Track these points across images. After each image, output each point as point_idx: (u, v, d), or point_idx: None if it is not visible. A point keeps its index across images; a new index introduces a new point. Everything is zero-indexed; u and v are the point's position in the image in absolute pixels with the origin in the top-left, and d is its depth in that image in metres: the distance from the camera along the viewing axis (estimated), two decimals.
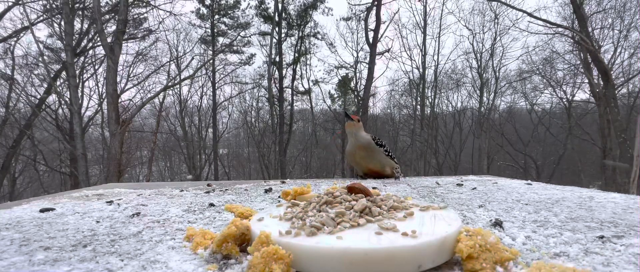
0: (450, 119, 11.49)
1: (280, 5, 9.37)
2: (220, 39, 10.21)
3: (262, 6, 9.47)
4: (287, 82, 9.96)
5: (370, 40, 7.61)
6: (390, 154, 1.25)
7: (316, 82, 10.50)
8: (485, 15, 9.73)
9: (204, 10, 9.83)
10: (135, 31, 7.63)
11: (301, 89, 10.47)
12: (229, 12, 9.94)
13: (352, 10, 9.51)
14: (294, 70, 10.06)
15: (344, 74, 10.53)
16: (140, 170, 10.49)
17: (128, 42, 7.38)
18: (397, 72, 18.09)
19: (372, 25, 7.69)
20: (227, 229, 0.35)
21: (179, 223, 0.52)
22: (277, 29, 9.45)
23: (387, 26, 8.76)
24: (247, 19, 10.10)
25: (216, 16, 9.90)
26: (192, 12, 9.83)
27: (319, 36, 10.06)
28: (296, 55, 9.95)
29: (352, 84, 10.21)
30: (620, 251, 0.36)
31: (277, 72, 9.59)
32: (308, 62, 10.36)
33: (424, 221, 0.36)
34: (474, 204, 0.66)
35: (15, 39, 6.42)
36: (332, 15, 9.95)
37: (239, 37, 10.14)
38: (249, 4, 10.14)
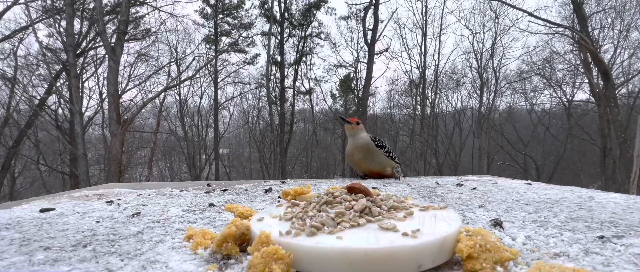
0: (450, 119, 11.49)
1: (283, 5, 9.38)
2: (224, 39, 10.23)
3: (265, 6, 9.48)
4: (288, 82, 9.97)
5: (369, 40, 7.61)
6: (391, 154, 1.24)
7: (317, 82, 10.51)
8: (486, 15, 9.73)
9: (208, 9, 9.85)
10: (136, 32, 7.64)
11: (303, 89, 10.48)
12: (233, 11, 9.95)
13: (350, 10, 9.53)
14: (296, 71, 10.07)
15: (345, 74, 10.54)
16: (141, 171, 10.50)
17: (129, 42, 7.39)
18: (397, 72, 18.13)
19: (370, 25, 7.70)
20: (227, 229, 0.35)
21: (179, 223, 0.52)
22: (279, 29, 9.45)
23: (386, 26, 8.77)
24: (251, 19, 10.11)
25: (220, 16, 9.90)
26: (196, 11, 9.85)
27: (322, 36, 10.08)
28: (298, 55, 9.95)
29: (353, 84, 10.22)
30: (620, 251, 0.36)
31: (278, 72, 9.60)
32: (310, 62, 10.37)
33: (424, 221, 0.36)
34: (474, 204, 0.66)
35: (18, 39, 6.43)
36: (335, 15, 9.95)
37: (242, 37, 10.16)
38: (253, 3, 10.14)
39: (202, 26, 9.85)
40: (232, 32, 10.16)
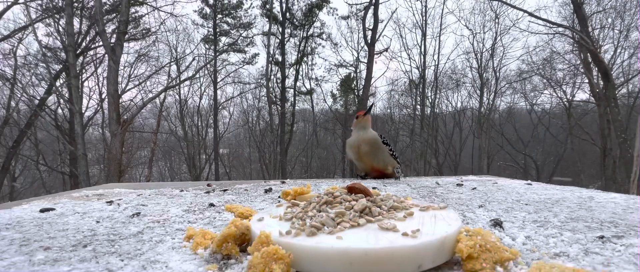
0: (450, 119, 11.49)
1: (284, 6, 9.39)
2: (223, 39, 10.23)
3: (267, 6, 9.48)
4: (289, 82, 9.98)
5: (368, 40, 7.62)
6: (394, 154, 1.23)
7: (318, 82, 10.51)
8: (486, 15, 9.73)
9: (207, 9, 9.85)
10: (136, 32, 7.64)
11: (304, 89, 10.49)
12: (232, 11, 9.95)
13: (351, 9, 9.53)
14: (297, 71, 10.07)
15: (346, 73, 10.55)
16: (141, 171, 10.50)
17: (129, 42, 7.39)
18: (396, 71, 18.14)
19: (370, 25, 7.70)
20: (227, 229, 0.35)
21: (179, 223, 0.52)
22: (280, 29, 9.44)
23: (385, 26, 8.77)
24: (250, 19, 10.11)
25: (219, 16, 9.90)
26: (195, 11, 9.85)
27: (324, 36, 10.07)
28: (299, 55, 9.95)
29: (353, 84, 10.22)
30: (620, 251, 0.36)
31: (279, 72, 9.60)
32: (312, 62, 10.37)
33: (424, 221, 0.36)
34: (474, 204, 0.66)
35: (17, 39, 6.43)
36: (336, 15, 9.94)
37: (242, 37, 10.16)
38: (252, 4, 10.13)
39: (201, 26, 9.85)
40: (231, 32, 10.16)
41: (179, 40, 9.33)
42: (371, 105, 1.36)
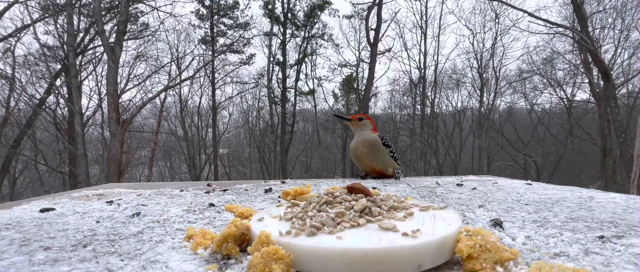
0: (450, 119, 11.50)
1: (286, 6, 9.39)
2: (220, 40, 10.23)
3: (268, 7, 9.48)
4: (290, 82, 9.98)
5: (371, 40, 7.62)
6: (394, 155, 1.24)
7: (320, 82, 10.51)
8: (486, 15, 9.73)
9: (203, 10, 9.85)
10: (135, 29, 7.64)
11: (305, 89, 10.49)
12: (228, 12, 9.94)
13: (354, 9, 9.53)
14: (298, 71, 10.07)
15: (348, 73, 10.55)
16: (141, 171, 10.49)
17: (128, 41, 7.39)
18: (397, 72, 18.15)
19: (373, 25, 7.70)
20: (227, 229, 0.35)
21: (179, 223, 0.52)
22: (281, 29, 9.44)
23: (388, 26, 8.77)
24: (247, 20, 10.11)
25: (215, 17, 9.90)
26: (192, 12, 9.85)
27: (326, 37, 10.08)
28: (300, 56, 9.95)
29: (355, 84, 10.23)
30: (620, 251, 0.36)
31: (280, 72, 9.61)
32: (313, 63, 10.37)
33: (424, 221, 0.36)
34: (474, 204, 0.66)
35: (16, 38, 6.42)
36: (338, 16, 9.95)
37: (242, 38, 10.15)
38: (248, 4, 10.14)
39: (198, 27, 9.85)
40: (228, 32, 10.17)
41: (180, 40, 9.34)
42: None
